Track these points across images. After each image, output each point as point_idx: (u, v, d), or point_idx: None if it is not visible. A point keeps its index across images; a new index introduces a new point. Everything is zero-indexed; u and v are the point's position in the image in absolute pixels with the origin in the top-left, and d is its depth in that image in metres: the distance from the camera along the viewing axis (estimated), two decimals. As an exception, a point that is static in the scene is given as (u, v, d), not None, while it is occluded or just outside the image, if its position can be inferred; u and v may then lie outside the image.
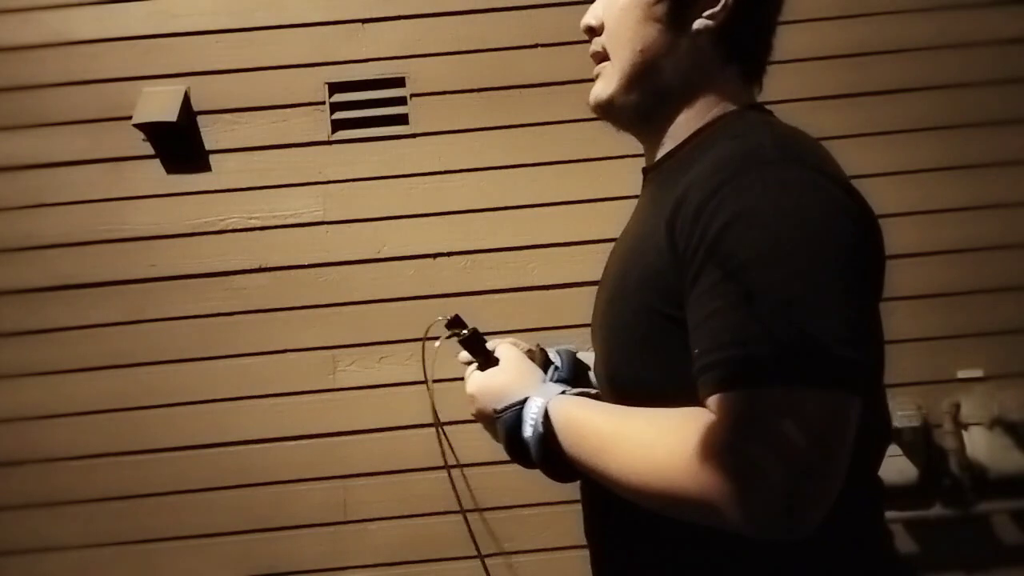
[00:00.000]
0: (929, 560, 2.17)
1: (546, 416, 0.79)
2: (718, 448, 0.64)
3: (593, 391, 0.87)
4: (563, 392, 0.84)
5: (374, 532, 2.16)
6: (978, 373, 2.22)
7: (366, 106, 2.35)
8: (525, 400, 0.83)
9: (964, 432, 2.17)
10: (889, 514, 2.30)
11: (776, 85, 2.61)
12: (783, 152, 0.76)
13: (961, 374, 2.22)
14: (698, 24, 0.85)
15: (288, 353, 2.24)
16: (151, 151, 2.31)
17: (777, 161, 0.73)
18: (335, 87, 2.36)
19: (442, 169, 2.32)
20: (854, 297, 0.67)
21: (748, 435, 0.63)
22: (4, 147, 2.30)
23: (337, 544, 2.16)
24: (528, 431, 0.80)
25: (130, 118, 2.23)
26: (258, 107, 2.34)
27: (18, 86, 2.33)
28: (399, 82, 2.36)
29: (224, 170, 2.33)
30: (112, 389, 2.21)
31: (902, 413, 2.10)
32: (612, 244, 1.01)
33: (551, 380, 0.89)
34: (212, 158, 2.33)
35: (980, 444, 2.15)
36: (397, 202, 2.31)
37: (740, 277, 0.66)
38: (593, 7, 0.93)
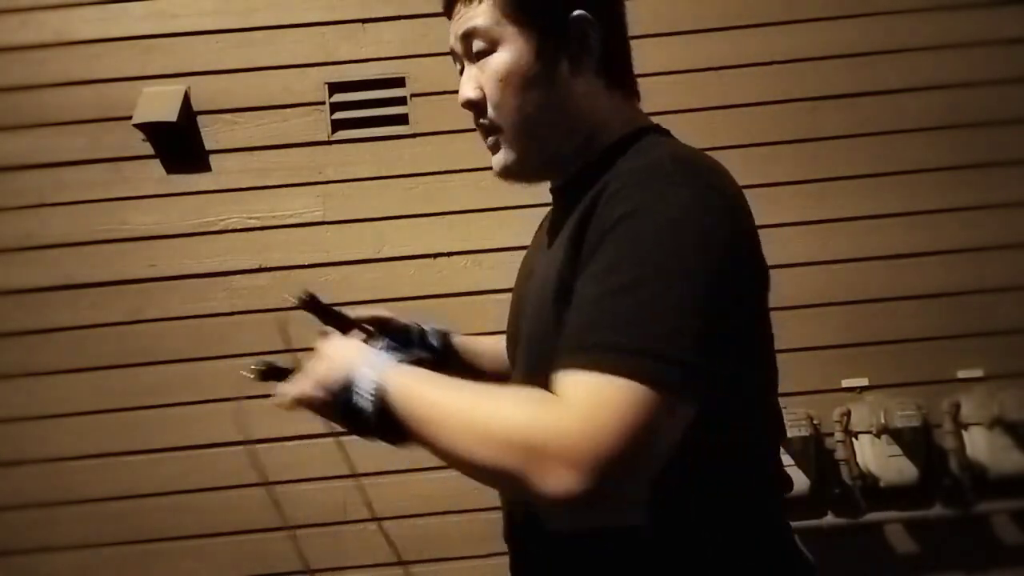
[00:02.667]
0: (929, 560, 2.17)
1: (380, 386, 0.83)
2: (531, 418, 0.69)
3: (427, 358, 0.95)
4: (398, 361, 0.87)
5: (374, 532, 2.16)
6: (978, 373, 2.22)
7: (366, 106, 2.35)
8: (354, 373, 0.86)
9: (964, 432, 2.17)
10: (888, 514, 2.31)
11: (776, 85, 2.63)
12: (679, 168, 0.78)
13: (961, 374, 2.23)
14: (574, 68, 0.88)
15: (288, 353, 2.23)
16: (151, 151, 2.31)
17: (673, 175, 0.77)
18: (335, 87, 2.36)
19: (442, 169, 2.32)
20: (714, 310, 0.71)
21: (564, 412, 0.68)
22: (4, 147, 2.30)
23: (337, 544, 2.16)
24: (363, 402, 0.84)
25: (130, 118, 2.24)
26: (258, 107, 2.35)
27: (18, 86, 2.33)
28: (399, 82, 2.36)
29: (224, 170, 2.33)
30: (112, 389, 2.21)
31: (902, 413, 2.10)
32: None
33: (383, 351, 0.91)
34: (212, 158, 2.33)
35: (980, 444, 2.15)
36: (397, 202, 2.31)
37: (612, 275, 0.71)
38: (466, 81, 0.92)
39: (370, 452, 2.33)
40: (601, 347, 0.69)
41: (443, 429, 0.76)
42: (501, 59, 0.87)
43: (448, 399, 0.78)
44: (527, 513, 0.87)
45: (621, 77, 0.93)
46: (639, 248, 0.72)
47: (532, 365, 0.89)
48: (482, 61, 0.89)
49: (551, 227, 0.96)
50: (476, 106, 0.92)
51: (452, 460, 0.76)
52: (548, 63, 0.87)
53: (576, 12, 0.86)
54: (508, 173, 0.94)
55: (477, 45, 0.89)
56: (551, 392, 0.71)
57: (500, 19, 0.87)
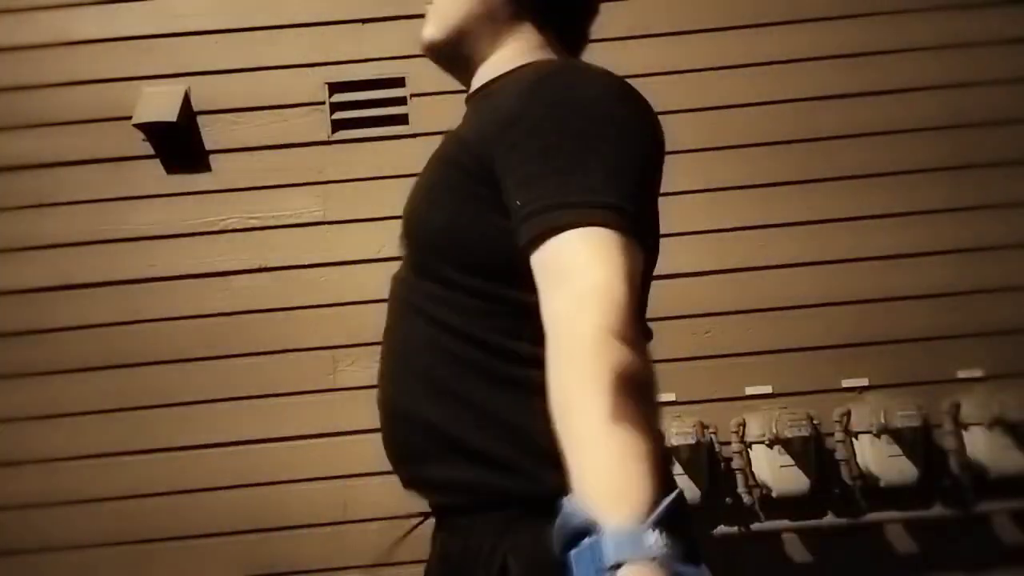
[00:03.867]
0: (929, 560, 2.17)
1: None
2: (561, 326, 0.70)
3: None
4: None
5: (374, 532, 2.16)
6: (978, 373, 2.22)
7: (366, 106, 2.35)
8: None
9: (964, 432, 2.17)
10: (889, 514, 2.30)
11: (776, 85, 2.62)
12: (579, 64, 0.88)
13: (961, 374, 2.22)
14: None
15: (288, 353, 2.24)
16: (151, 151, 2.31)
17: (575, 68, 0.86)
18: (335, 87, 2.36)
19: (442, 169, 2.31)
20: (634, 170, 0.78)
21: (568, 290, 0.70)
22: (4, 147, 2.30)
23: (337, 544, 2.16)
24: None
25: (130, 118, 2.24)
26: (258, 107, 2.35)
27: (18, 86, 2.33)
28: (399, 82, 2.36)
29: (224, 170, 2.33)
30: (112, 389, 2.21)
31: (902, 413, 2.10)
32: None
33: None
34: (212, 158, 2.33)
35: (980, 444, 2.15)
36: (397, 202, 2.29)
37: (544, 152, 0.77)
38: None
39: (370, 452, 2.34)
40: (571, 201, 0.72)
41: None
42: None
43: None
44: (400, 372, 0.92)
45: (559, 22, 1.00)
46: (566, 129, 0.77)
47: (413, 212, 0.96)
48: None
49: (452, 131, 1.01)
50: None
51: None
52: None
53: None
54: (424, 46, 1.05)
55: None
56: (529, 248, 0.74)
57: None
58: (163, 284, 2.27)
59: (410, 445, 0.90)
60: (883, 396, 2.20)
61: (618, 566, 0.58)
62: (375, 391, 0.96)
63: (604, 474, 0.63)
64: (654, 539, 0.59)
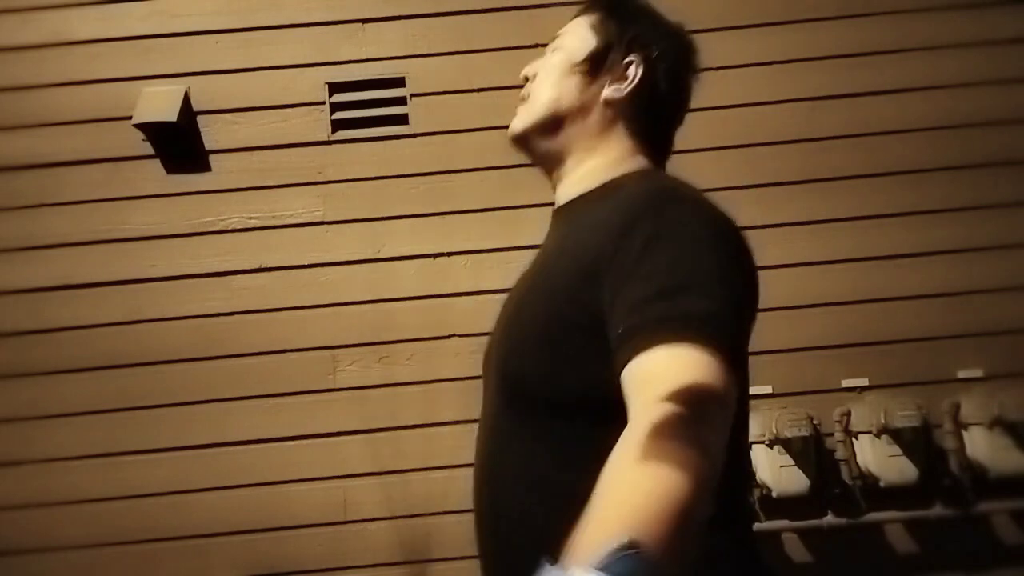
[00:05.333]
0: (929, 560, 2.17)
1: None
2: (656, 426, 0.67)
3: None
4: None
5: (374, 532, 2.16)
6: (978, 373, 2.22)
7: (366, 106, 2.35)
8: None
9: (964, 432, 2.17)
10: (889, 514, 2.30)
11: (776, 85, 2.62)
12: (685, 191, 0.89)
13: (961, 374, 2.22)
14: (607, 92, 1.00)
15: (288, 353, 2.24)
16: (151, 151, 2.31)
17: (683, 198, 0.87)
18: (335, 87, 2.36)
19: (442, 169, 2.32)
20: (741, 313, 0.80)
21: (672, 394, 0.69)
22: (4, 147, 2.30)
23: (337, 544, 2.16)
24: None
25: (130, 118, 2.24)
26: (258, 107, 2.35)
27: (18, 86, 2.33)
28: (399, 82, 2.36)
29: (224, 170, 2.33)
30: (112, 389, 2.21)
31: (902, 413, 2.10)
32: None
33: None
34: (212, 158, 2.33)
35: (980, 444, 2.15)
36: (397, 202, 2.31)
37: (658, 278, 0.78)
38: (533, 63, 1.07)
39: (369, 452, 2.35)
40: (670, 321, 0.73)
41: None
42: (562, 45, 1.04)
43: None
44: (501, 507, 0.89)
45: (650, 131, 1.03)
46: (675, 257, 0.78)
47: (510, 351, 0.93)
48: (554, 52, 1.05)
49: (549, 244, 1.03)
50: (526, 81, 1.07)
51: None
52: (593, 67, 1.00)
53: (634, 54, 1.00)
54: (513, 134, 1.05)
55: (557, 42, 1.05)
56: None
57: (582, 23, 1.04)
58: (163, 284, 2.27)
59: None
60: (883, 396, 2.19)
61: None
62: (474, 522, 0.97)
63: (598, 520, 0.62)
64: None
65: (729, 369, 0.72)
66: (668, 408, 0.66)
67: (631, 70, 1.00)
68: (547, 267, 0.95)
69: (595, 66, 1.00)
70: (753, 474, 2.14)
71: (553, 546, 0.78)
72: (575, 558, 0.59)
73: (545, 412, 0.86)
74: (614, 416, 0.75)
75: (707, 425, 0.67)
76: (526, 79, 1.06)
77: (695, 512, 0.62)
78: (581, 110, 1.00)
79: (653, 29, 1.05)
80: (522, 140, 1.04)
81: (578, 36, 1.03)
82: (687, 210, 0.84)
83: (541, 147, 1.03)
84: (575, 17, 1.07)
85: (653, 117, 1.03)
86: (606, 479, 0.65)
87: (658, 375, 0.71)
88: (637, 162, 1.00)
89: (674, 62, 1.04)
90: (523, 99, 1.05)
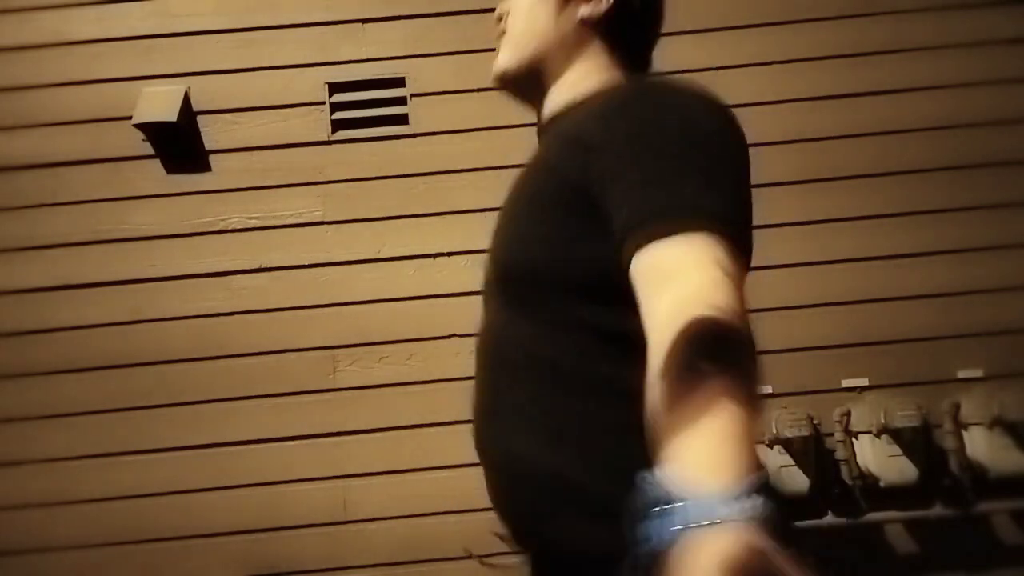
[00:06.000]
0: (929, 560, 2.17)
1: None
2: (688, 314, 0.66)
3: None
4: None
5: (374, 532, 2.16)
6: (978, 373, 2.22)
7: (366, 106, 2.35)
8: None
9: (964, 432, 2.17)
10: (889, 514, 2.30)
11: (776, 85, 2.62)
12: (665, 80, 0.89)
13: (961, 374, 2.22)
14: (582, 11, 0.99)
15: (288, 353, 2.24)
16: (151, 151, 2.31)
17: (665, 86, 0.87)
18: (335, 87, 2.36)
19: (442, 169, 2.32)
20: (733, 181, 0.80)
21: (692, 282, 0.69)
22: (4, 147, 2.30)
23: (337, 544, 2.16)
24: None
25: (130, 118, 2.24)
26: (258, 107, 2.35)
27: (18, 86, 2.33)
28: (399, 82, 2.36)
29: (224, 170, 2.33)
30: (112, 389, 2.21)
31: (902, 413, 2.10)
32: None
33: None
34: (212, 158, 2.33)
35: (980, 444, 2.15)
36: (397, 202, 2.31)
37: (642, 167, 0.77)
38: (503, 1, 1.07)
39: (369, 452, 2.35)
40: (675, 209, 0.72)
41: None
42: None
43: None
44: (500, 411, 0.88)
45: (627, 47, 1.01)
46: (668, 141, 0.78)
47: (505, 247, 0.94)
48: None
49: (528, 165, 1.01)
50: (500, 20, 1.06)
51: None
52: None
53: None
54: (497, 75, 1.05)
55: None
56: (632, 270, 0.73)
57: None
58: (163, 284, 2.27)
59: (535, 503, 0.83)
60: (883, 396, 2.20)
61: (708, 527, 0.55)
62: (476, 450, 0.93)
63: (704, 450, 0.60)
64: (751, 503, 0.57)
65: (741, 257, 0.72)
66: (698, 317, 0.65)
67: None
68: (534, 173, 0.95)
69: None
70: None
71: (567, 450, 0.80)
72: (702, 487, 0.58)
73: (550, 301, 0.85)
74: (620, 300, 0.75)
75: (737, 326, 0.66)
76: (500, 19, 1.07)
77: (753, 433, 0.64)
78: (560, 35, 0.99)
79: None
80: (509, 78, 1.04)
81: None
82: (674, 93, 0.84)
83: (524, 83, 1.04)
84: None
85: (629, 33, 1.02)
86: (668, 401, 0.63)
87: (672, 270, 0.70)
88: (616, 75, 0.99)
89: None
90: (500, 36, 1.06)
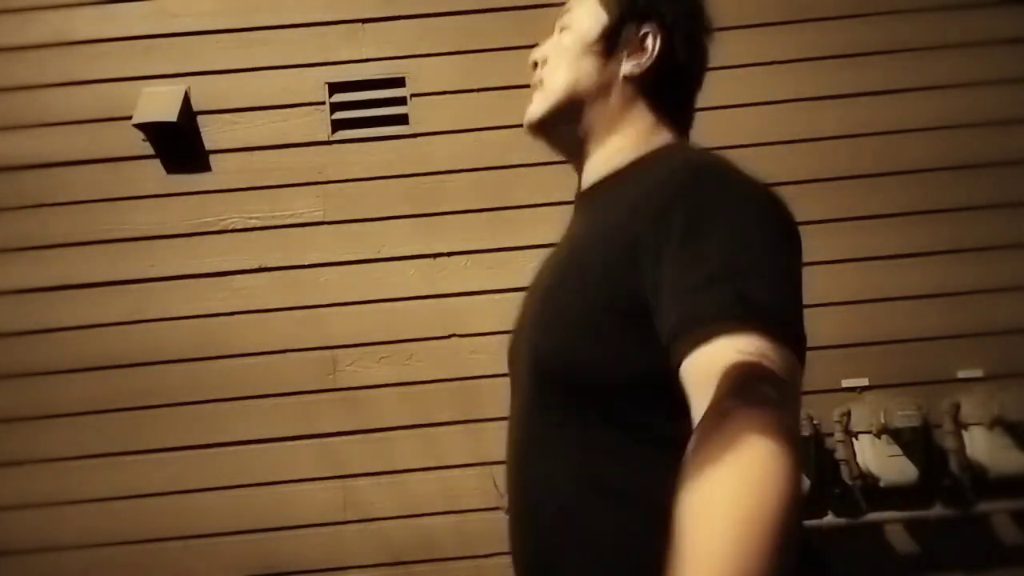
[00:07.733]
0: (929, 560, 2.17)
1: None
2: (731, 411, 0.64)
3: None
4: None
5: (374, 532, 2.16)
6: (978, 373, 2.22)
7: (366, 106, 2.35)
8: None
9: (964, 432, 2.17)
10: (889, 514, 2.30)
11: (777, 85, 2.62)
12: (719, 163, 0.83)
13: (961, 374, 2.22)
14: (626, 68, 0.95)
15: (288, 353, 2.24)
16: (151, 151, 2.31)
17: (719, 171, 0.82)
18: (335, 87, 2.36)
19: (442, 169, 2.32)
20: (797, 283, 0.77)
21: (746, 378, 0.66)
22: (4, 147, 2.30)
23: (337, 544, 2.16)
24: None
25: (130, 118, 2.24)
26: (258, 107, 2.35)
27: (18, 86, 2.33)
28: (399, 82, 2.36)
29: (224, 170, 2.33)
30: (112, 389, 2.21)
31: (902, 413, 2.10)
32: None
33: None
34: (212, 158, 2.33)
35: (980, 444, 2.15)
36: (397, 202, 2.31)
37: (708, 261, 0.72)
38: (540, 47, 1.02)
39: (369, 452, 2.35)
40: (730, 307, 0.69)
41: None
42: (571, 24, 0.98)
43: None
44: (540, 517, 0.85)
45: (672, 102, 0.98)
46: (723, 236, 0.73)
47: (541, 344, 0.88)
48: (561, 32, 1.00)
49: (576, 230, 0.97)
50: (536, 66, 1.01)
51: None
52: (608, 45, 0.95)
53: (649, 24, 0.95)
54: (531, 123, 0.99)
55: (563, 20, 1.00)
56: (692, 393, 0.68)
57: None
58: (163, 284, 2.27)
59: None
60: (883, 396, 2.20)
61: None
62: (511, 544, 0.92)
63: (712, 553, 0.57)
64: None
65: (796, 358, 0.69)
66: (744, 417, 0.62)
67: (648, 42, 0.95)
68: (576, 253, 0.89)
69: (610, 43, 0.95)
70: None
71: (595, 544, 0.79)
72: None
73: (587, 402, 0.81)
74: (664, 405, 0.73)
75: (786, 426, 0.62)
76: (535, 64, 1.01)
77: (793, 530, 0.60)
78: (600, 91, 0.95)
79: None
80: (540, 127, 0.99)
81: (587, 12, 0.97)
82: (726, 184, 0.79)
83: (561, 133, 0.98)
84: None
85: (675, 87, 0.98)
86: (697, 503, 0.61)
87: (725, 371, 0.66)
88: (663, 137, 0.95)
89: (689, 26, 0.97)
90: (536, 86, 1.00)
